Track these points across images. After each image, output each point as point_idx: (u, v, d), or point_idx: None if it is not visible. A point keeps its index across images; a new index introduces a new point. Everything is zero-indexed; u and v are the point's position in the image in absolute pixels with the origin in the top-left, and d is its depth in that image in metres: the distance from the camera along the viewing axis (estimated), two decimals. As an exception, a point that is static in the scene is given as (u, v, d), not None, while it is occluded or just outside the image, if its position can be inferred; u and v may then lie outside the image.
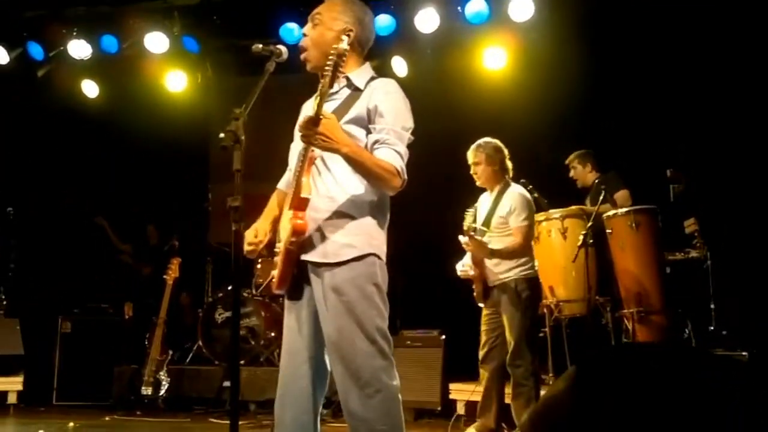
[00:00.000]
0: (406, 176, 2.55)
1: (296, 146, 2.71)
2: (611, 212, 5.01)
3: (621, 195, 5.45)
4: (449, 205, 5.17)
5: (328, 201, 2.58)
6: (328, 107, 2.56)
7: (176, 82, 7.24)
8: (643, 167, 5.72)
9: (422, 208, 5.97)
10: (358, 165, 2.49)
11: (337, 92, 2.65)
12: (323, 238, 2.56)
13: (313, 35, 2.68)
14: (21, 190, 7.31)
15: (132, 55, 6.87)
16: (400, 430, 2.54)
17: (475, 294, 4.54)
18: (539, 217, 5.09)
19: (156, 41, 6.64)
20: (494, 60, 6.46)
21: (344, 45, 2.38)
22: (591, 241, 4.77)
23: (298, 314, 2.66)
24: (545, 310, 4.99)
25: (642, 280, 4.83)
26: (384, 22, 6.21)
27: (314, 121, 2.38)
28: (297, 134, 2.66)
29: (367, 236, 2.60)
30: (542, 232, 5.11)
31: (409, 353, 5.82)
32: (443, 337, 5.81)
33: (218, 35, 6.79)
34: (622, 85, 6.08)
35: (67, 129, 7.59)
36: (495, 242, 4.37)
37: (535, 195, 4.89)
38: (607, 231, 4.91)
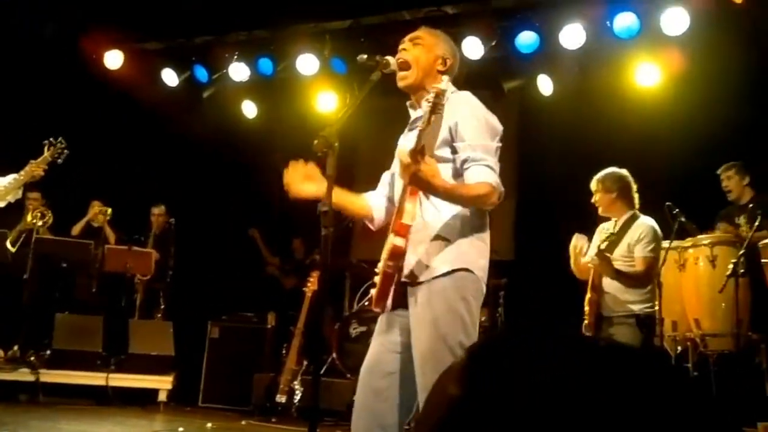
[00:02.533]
0: (502, 188, 2.56)
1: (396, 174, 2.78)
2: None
3: None
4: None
5: (425, 225, 2.63)
6: (416, 130, 2.59)
7: (326, 102, 7.51)
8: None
9: (562, 231, 5.74)
10: (454, 201, 2.60)
11: (419, 117, 2.69)
12: (419, 259, 2.61)
13: (415, 54, 2.76)
14: (183, 202, 7.86)
15: (285, 77, 7.20)
16: None
17: (585, 322, 4.36)
18: (686, 243, 4.73)
19: (307, 63, 6.93)
20: (647, 76, 6.12)
21: (443, 85, 2.51)
22: (742, 270, 4.32)
23: (390, 331, 2.70)
24: (688, 344, 4.58)
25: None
26: (528, 39, 6.09)
27: (415, 155, 2.42)
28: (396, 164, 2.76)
29: (459, 253, 2.63)
30: (689, 259, 4.71)
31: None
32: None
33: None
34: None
35: (228, 146, 8.09)
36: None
37: (682, 219, 4.57)
38: (763, 261, 4.43)
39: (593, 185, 4.48)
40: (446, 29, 3.03)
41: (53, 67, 6.94)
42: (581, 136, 6.30)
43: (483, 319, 6.57)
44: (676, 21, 5.54)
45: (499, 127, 2.69)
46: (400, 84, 2.77)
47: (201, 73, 7.40)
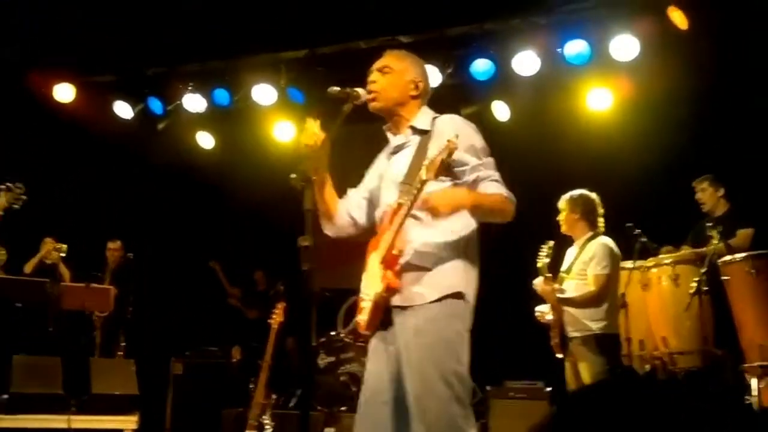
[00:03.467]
0: (514, 198, 2.67)
1: (385, 195, 2.78)
2: (727, 258, 4.69)
3: (743, 234, 5.08)
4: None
5: (415, 251, 2.65)
6: (402, 157, 2.75)
7: (284, 132, 7.51)
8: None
9: (526, 254, 5.86)
10: (481, 208, 2.64)
11: (406, 142, 2.80)
12: (410, 284, 2.63)
13: (383, 84, 2.81)
14: (141, 236, 7.71)
15: (242, 107, 7.17)
16: None
17: (552, 343, 4.49)
18: (648, 263, 4.88)
19: (264, 93, 6.92)
20: (599, 101, 6.30)
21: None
22: (705, 288, 4.48)
23: (381, 357, 2.71)
24: (657, 362, 4.71)
25: (765, 332, 4.46)
26: (483, 66, 6.21)
27: (426, 201, 2.51)
28: (384, 182, 2.80)
29: (451, 278, 2.66)
30: (652, 278, 4.86)
31: (512, 405, 5.65)
32: (549, 389, 5.61)
33: (322, 85, 6.99)
34: (735, 129, 5.75)
35: (185, 177, 7.99)
36: (573, 290, 4.43)
37: (643, 239, 4.73)
38: (723, 278, 4.59)
39: (561, 204, 4.66)
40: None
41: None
42: (538, 160, 6.42)
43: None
44: (625, 47, 5.73)
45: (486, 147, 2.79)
46: (371, 108, 2.81)
47: (155, 105, 7.31)
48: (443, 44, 6.40)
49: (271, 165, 7.65)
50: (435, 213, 2.52)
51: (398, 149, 2.81)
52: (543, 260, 4.50)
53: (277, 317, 6.41)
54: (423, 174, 2.49)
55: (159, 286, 7.73)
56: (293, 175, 2.42)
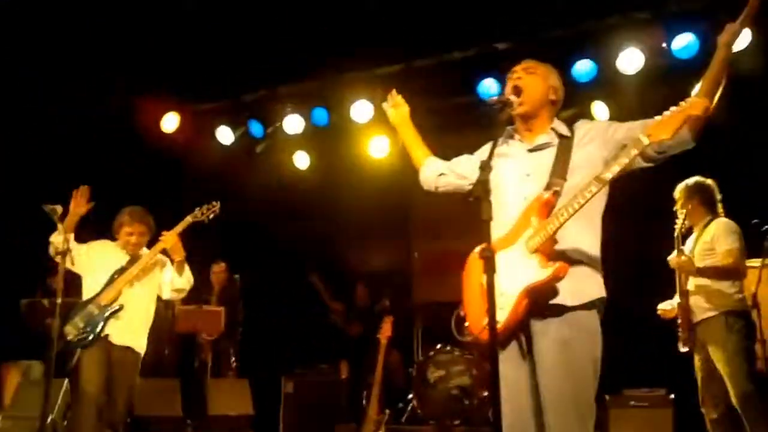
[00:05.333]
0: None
1: (519, 188, 2.75)
2: None
3: None
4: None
5: (574, 248, 2.62)
6: (545, 155, 2.74)
7: (379, 148, 7.55)
8: None
9: (642, 252, 5.72)
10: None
11: (549, 143, 2.77)
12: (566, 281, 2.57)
13: (530, 82, 2.81)
14: (245, 257, 7.88)
15: (340, 125, 7.26)
16: None
17: (680, 338, 4.45)
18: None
19: (361, 110, 6.98)
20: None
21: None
22: None
23: (519, 367, 2.64)
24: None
25: None
26: (584, 67, 6.08)
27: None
28: (516, 176, 2.77)
29: (600, 282, 2.65)
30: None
31: (634, 414, 5.46)
32: (672, 395, 5.39)
33: (418, 98, 7.00)
34: None
35: (283, 197, 8.13)
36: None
37: None
38: None
39: (676, 193, 4.68)
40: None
41: (113, 138, 7.04)
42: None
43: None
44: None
45: None
46: (516, 111, 2.78)
47: (256, 128, 7.48)
48: (540, 49, 6.30)
49: (367, 181, 7.76)
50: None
51: (539, 148, 2.79)
52: (678, 230, 4.46)
53: (385, 332, 6.42)
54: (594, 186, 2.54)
55: (265, 305, 7.83)
56: (472, 187, 2.44)
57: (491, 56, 6.44)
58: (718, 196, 4.64)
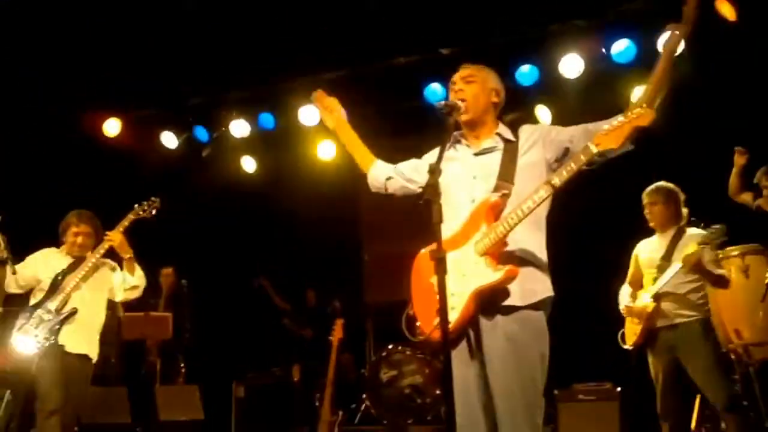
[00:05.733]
0: None
1: (468, 190, 2.83)
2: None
3: None
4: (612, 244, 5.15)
5: (522, 248, 2.70)
6: (490, 158, 2.82)
7: (327, 151, 7.60)
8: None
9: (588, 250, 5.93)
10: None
11: (495, 147, 2.86)
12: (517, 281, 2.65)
13: (471, 91, 2.88)
14: (191, 261, 7.79)
15: (288, 129, 7.27)
16: None
17: (630, 333, 4.54)
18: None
19: (309, 114, 7.01)
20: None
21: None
22: (780, 277, 4.44)
23: (468, 364, 2.70)
24: (732, 356, 4.67)
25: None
26: (527, 71, 6.25)
27: None
28: (463, 178, 2.84)
29: (548, 281, 2.73)
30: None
31: (581, 408, 5.63)
32: (619, 388, 5.59)
33: (364, 102, 7.08)
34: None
35: (229, 202, 8.09)
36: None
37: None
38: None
39: (649, 197, 4.65)
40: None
41: (54, 141, 6.90)
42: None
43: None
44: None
45: None
46: (461, 119, 2.86)
47: (201, 133, 7.43)
48: (484, 54, 6.44)
49: (315, 184, 7.78)
50: None
51: (485, 152, 2.87)
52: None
53: (336, 334, 6.47)
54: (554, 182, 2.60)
55: (213, 310, 7.77)
56: (421, 190, 2.42)
57: (436, 61, 6.56)
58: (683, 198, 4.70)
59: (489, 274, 2.62)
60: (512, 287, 2.64)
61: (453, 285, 2.61)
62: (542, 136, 2.81)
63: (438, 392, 6.20)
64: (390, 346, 6.55)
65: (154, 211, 4.96)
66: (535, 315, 2.67)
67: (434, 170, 2.43)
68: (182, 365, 7.15)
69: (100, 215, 5.45)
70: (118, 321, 6.74)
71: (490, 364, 2.64)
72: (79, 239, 4.80)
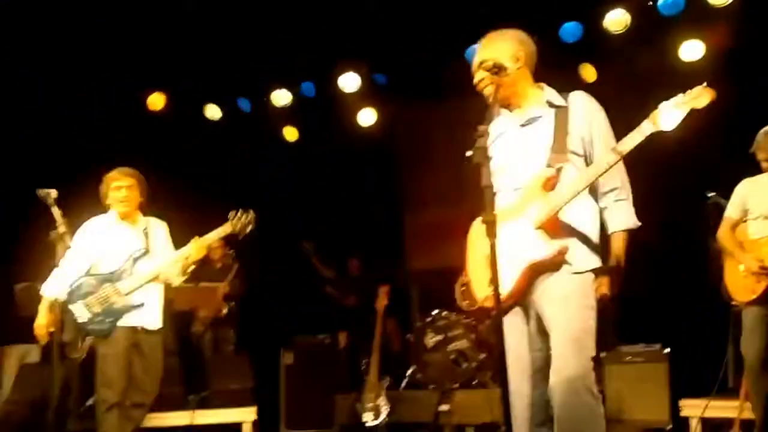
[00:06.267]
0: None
1: (521, 163, 2.77)
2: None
3: None
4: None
5: (578, 220, 2.70)
6: (541, 127, 2.75)
7: (367, 117, 7.61)
8: None
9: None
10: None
11: (540, 116, 2.77)
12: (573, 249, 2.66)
13: (494, 81, 2.74)
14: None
15: (328, 97, 7.26)
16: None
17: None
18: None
19: (349, 81, 7.00)
20: (691, 52, 6.10)
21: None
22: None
23: (522, 332, 2.73)
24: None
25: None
26: (571, 29, 6.10)
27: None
28: (514, 151, 2.77)
29: (596, 251, 2.71)
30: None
31: (629, 369, 5.57)
32: (667, 350, 5.50)
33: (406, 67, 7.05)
34: None
35: (272, 171, 8.15)
36: None
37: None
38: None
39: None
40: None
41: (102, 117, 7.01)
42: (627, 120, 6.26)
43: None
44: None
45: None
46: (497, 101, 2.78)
47: (244, 104, 7.49)
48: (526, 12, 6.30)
49: (356, 151, 7.80)
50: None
51: (531, 121, 2.79)
52: None
53: (381, 300, 6.51)
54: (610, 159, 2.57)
55: (259, 278, 7.80)
56: (469, 153, 2.35)
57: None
58: None
59: (542, 248, 2.63)
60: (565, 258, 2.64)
61: (507, 257, 2.57)
62: (590, 120, 2.75)
63: (484, 356, 6.20)
64: (435, 312, 6.56)
65: (249, 228, 4.67)
66: (584, 279, 2.66)
67: (483, 133, 2.37)
68: (233, 334, 7.26)
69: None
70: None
71: (543, 317, 2.67)
72: (122, 193, 4.52)
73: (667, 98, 2.48)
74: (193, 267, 4.70)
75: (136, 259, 4.54)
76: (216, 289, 6.99)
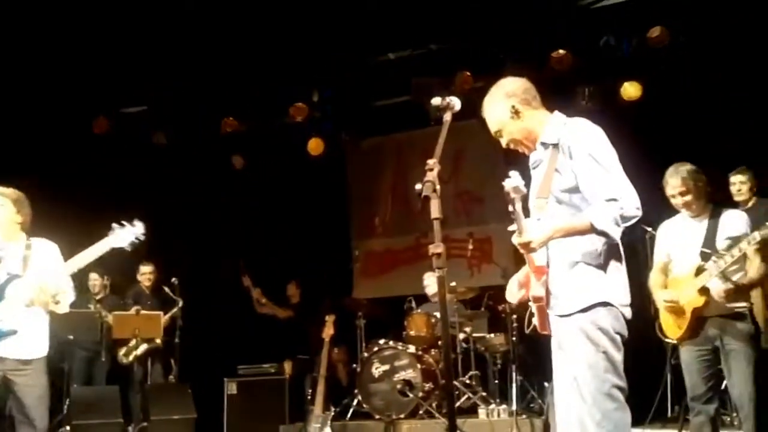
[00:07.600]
0: (621, 222, 2.58)
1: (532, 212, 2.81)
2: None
3: None
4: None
5: (560, 257, 2.72)
6: (538, 173, 2.80)
7: (315, 147, 7.65)
8: None
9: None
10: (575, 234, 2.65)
11: (539, 159, 2.82)
12: (555, 293, 2.72)
13: (507, 139, 2.85)
14: (179, 261, 7.75)
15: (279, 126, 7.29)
16: None
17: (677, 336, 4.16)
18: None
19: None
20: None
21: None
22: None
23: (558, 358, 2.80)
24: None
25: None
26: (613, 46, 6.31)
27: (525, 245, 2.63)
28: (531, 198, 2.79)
29: (591, 287, 2.66)
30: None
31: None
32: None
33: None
34: None
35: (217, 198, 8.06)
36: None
37: None
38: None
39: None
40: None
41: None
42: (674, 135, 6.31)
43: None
44: None
45: (611, 150, 2.74)
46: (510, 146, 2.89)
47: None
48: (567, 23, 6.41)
49: (303, 181, 7.81)
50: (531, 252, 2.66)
51: (536, 164, 2.85)
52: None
53: (328, 329, 6.47)
54: None
55: (199, 307, 7.67)
56: (419, 186, 2.36)
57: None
58: None
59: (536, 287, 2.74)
60: (560, 298, 2.70)
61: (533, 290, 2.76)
62: (571, 151, 2.68)
63: (430, 386, 6.22)
64: (381, 341, 6.56)
65: (132, 240, 4.14)
66: (583, 318, 2.65)
67: (432, 167, 2.41)
68: (174, 363, 7.11)
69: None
70: (106, 321, 6.69)
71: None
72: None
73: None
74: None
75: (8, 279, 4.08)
76: (158, 317, 6.82)
